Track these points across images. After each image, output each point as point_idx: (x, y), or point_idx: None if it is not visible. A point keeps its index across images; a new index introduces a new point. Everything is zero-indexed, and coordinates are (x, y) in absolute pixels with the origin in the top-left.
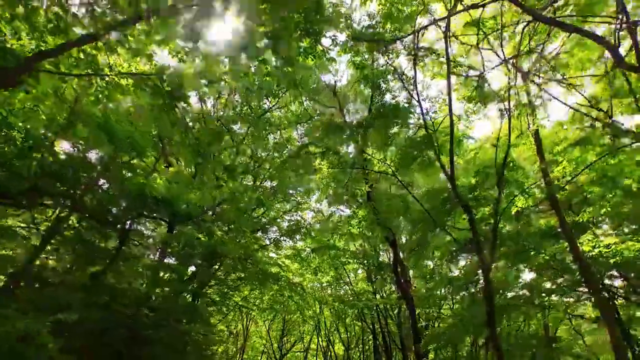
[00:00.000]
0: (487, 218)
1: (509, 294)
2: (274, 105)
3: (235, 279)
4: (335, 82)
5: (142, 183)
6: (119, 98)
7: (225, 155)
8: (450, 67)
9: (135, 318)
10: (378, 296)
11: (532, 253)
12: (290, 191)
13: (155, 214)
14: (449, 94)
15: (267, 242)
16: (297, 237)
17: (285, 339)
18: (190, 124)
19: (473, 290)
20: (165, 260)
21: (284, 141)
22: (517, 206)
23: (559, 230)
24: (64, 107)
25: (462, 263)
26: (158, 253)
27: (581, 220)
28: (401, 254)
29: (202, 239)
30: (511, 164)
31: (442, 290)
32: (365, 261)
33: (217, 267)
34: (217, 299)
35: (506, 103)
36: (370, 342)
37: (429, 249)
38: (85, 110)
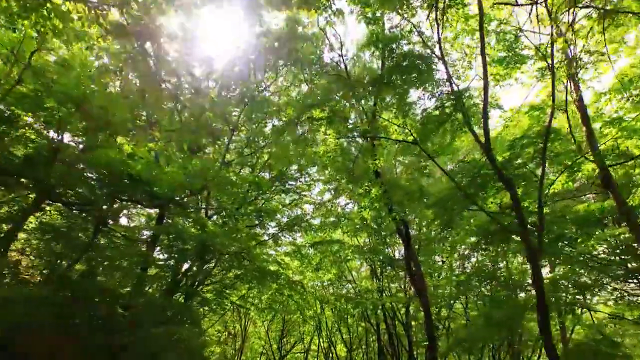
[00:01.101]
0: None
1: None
2: (271, 83)
3: (232, 277)
4: (340, 57)
5: (117, 159)
6: (69, 32)
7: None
8: (483, 13)
9: (108, 319)
10: (385, 294)
11: (579, 240)
12: (291, 182)
13: (133, 197)
14: (482, 47)
15: (266, 238)
16: (298, 233)
17: (285, 339)
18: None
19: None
20: (156, 255)
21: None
22: (556, 186)
23: (601, 215)
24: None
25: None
26: (146, 247)
27: (632, 203)
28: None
29: (194, 231)
30: (553, 135)
31: (452, 288)
32: (372, 257)
33: (212, 264)
34: (212, 297)
35: (548, 61)
36: (374, 343)
37: (456, 233)
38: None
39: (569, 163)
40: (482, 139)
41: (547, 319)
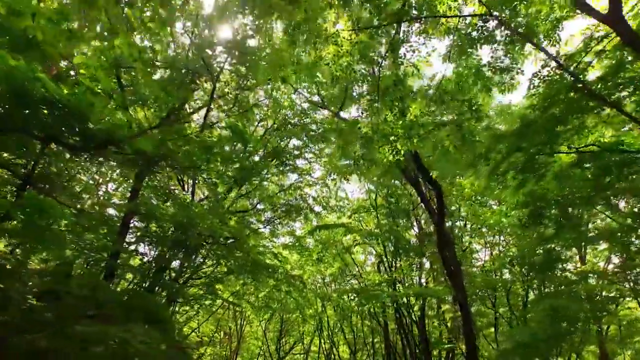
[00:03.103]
0: None
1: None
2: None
3: (223, 272)
4: None
5: (23, 69)
6: None
7: None
8: None
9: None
10: (400, 287)
11: None
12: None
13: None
14: None
15: (261, 228)
16: (297, 224)
17: (283, 340)
18: None
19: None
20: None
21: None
22: None
23: None
24: None
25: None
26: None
27: None
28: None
29: (169, 208)
30: None
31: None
32: (385, 241)
33: (200, 257)
34: (200, 293)
35: None
36: (380, 344)
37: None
38: None
39: None
40: None
41: None
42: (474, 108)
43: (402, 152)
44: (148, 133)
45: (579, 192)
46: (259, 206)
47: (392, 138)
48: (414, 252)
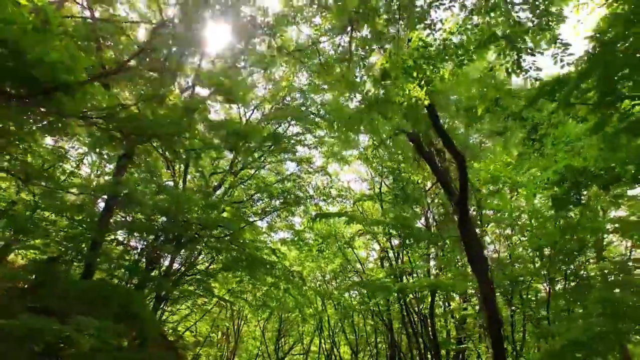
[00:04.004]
0: None
1: None
2: None
3: (217, 269)
4: None
5: None
6: None
7: None
8: None
9: None
10: (409, 279)
11: None
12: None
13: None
14: None
15: (258, 221)
16: (296, 217)
17: (282, 340)
18: None
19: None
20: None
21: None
22: None
23: None
24: None
25: None
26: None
27: None
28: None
29: (155, 195)
30: None
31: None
32: (389, 231)
33: (192, 250)
34: (192, 289)
35: None
36: (383, 344)
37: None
38: None
39: None
40: None
41: None
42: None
43: (435, 81)
44: (109, 78)
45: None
46: (255, 197)
47: (421, 61)
48: (426, 240)
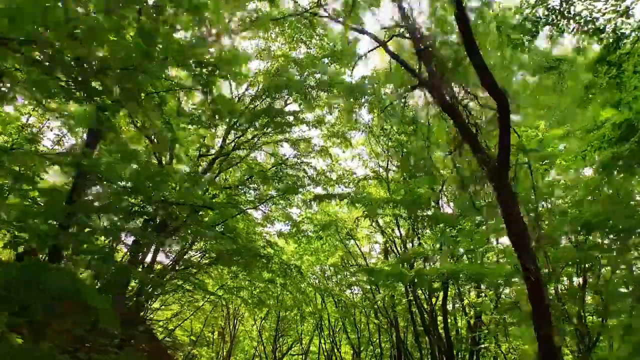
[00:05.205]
0: None
1: None
2: None
3: (208, 263)
4: None
5: None
6: None
7: None
8: None
9: None
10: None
11: None
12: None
13: None
14: None
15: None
16: (294, 208)
17: (280, 340)
18: None
19: None
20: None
21: None
22: None
23: None
24: None
25: None
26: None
27: None
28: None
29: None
30: None
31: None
32: (398, 212)
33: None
34: (180, 283)
35: None
36: (386, 343)
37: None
38: None
39: None
40: None
41: None
42: None
43: None
44: None
45: None
46: (248, 183)
47: None
48: (444, 222)
